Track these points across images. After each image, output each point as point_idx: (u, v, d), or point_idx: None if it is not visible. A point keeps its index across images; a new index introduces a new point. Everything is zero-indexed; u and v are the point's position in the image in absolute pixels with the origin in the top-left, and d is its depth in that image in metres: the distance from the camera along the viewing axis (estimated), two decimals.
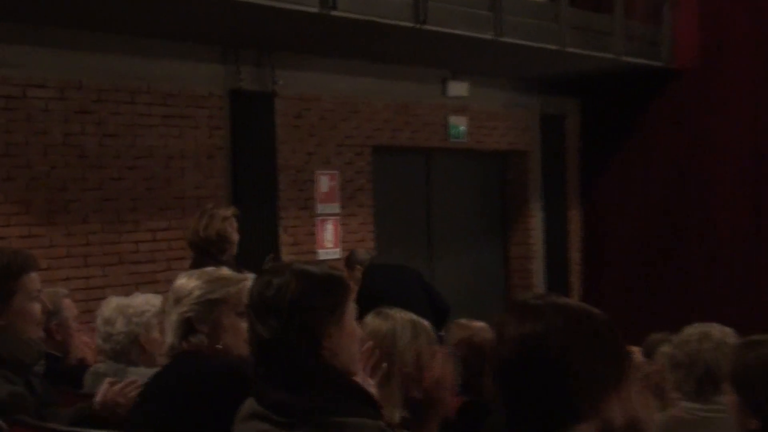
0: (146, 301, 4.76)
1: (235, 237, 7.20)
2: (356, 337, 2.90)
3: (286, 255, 10.04)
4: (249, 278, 3.49)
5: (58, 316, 5.08)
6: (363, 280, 8.71)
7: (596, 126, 14.92)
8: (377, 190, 12.20)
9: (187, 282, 3.60)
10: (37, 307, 4.06)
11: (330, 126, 11.51)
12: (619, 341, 2.05)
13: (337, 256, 11.14)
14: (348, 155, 11.76)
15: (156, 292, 5.38)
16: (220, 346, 3.52)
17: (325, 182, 11.42)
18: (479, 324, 5.11)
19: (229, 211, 7.29)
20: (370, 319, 3.49)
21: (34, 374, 4.06)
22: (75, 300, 5.61)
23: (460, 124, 13.25)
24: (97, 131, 9.12)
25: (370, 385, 3.05)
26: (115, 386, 4.11)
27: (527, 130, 14.23)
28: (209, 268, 3.72)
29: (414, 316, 3.53)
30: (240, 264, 6.54)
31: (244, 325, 3.20)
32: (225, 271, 3.71)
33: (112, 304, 4.78)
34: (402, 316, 3.49)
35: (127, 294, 5.12)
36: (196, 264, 6.46)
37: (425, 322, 3.54)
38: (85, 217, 8.99)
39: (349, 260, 9.36)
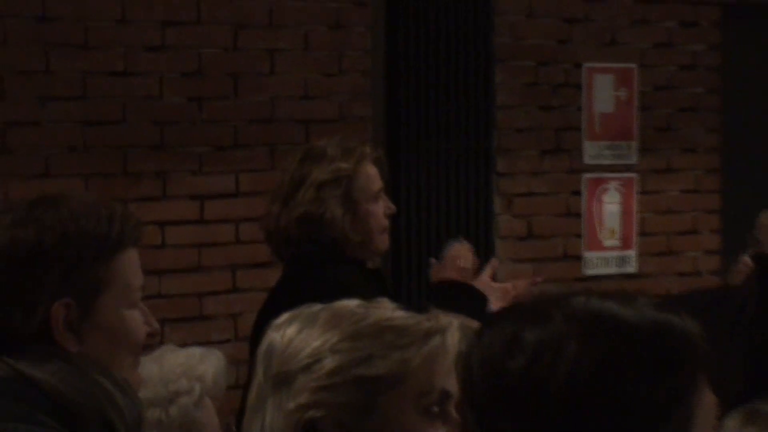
0: (181, 368, 3.15)
1: (379, 222, 4.29)
2: None
3: (502, 267, 5.83)
4: (452, 325, 2.26)
5: None
6: None
7: None
8: (729, 105, 7.10)
9: (301, 334, 2.29)
10: (138, 319, 2.59)
11: None
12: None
13: (632, 270, 6.97)
14: None
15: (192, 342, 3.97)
16: None
17: (606, 86, 6.77)
18: None
19: (356, 152, 4.28)
20: (734, 424, 2.82)
21: None
22: None
23: None
24: None
25: None
26: None
27: None
28: (346, 303, 2.33)
29: None
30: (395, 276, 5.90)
31: None
32: (389, 307, 2.32)
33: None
34: None
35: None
36: (295, 283, 4.25)
37: None
38: None
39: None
